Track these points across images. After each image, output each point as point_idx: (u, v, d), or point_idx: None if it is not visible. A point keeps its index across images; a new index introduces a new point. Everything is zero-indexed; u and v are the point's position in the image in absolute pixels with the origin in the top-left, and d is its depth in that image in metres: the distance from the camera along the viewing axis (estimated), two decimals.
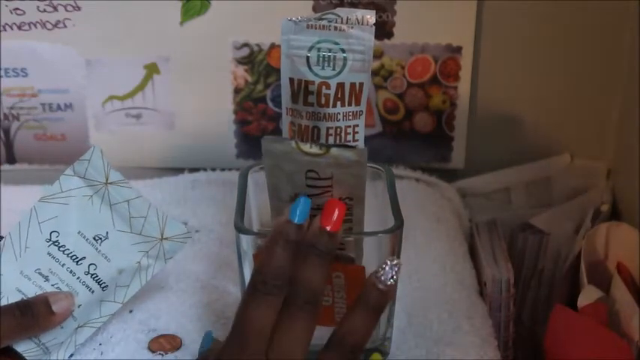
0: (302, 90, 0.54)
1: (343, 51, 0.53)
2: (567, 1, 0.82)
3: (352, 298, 0.58)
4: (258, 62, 0.86)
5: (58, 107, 0.88)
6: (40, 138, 0.90)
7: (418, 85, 0.86)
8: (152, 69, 0.86)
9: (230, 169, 0.89)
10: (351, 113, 0.55)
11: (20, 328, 0.59)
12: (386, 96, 0.87)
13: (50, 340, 0.61)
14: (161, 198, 0.83)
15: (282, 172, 0.55)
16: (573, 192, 0.88)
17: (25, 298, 0.60)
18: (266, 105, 0.88)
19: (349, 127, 0.55)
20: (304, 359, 0.51)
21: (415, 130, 0.88)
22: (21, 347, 0.60)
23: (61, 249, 0.62)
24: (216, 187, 0.86)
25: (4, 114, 0.88)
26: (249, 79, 0.87)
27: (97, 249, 0.62)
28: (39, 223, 0.62)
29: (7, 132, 0.89)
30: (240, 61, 0.86)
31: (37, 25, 0.84)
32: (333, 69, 0.53)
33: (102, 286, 0.62)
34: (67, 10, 0.83)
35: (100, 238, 0.62)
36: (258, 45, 0.85)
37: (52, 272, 0.62)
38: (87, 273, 0.62)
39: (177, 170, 0.89)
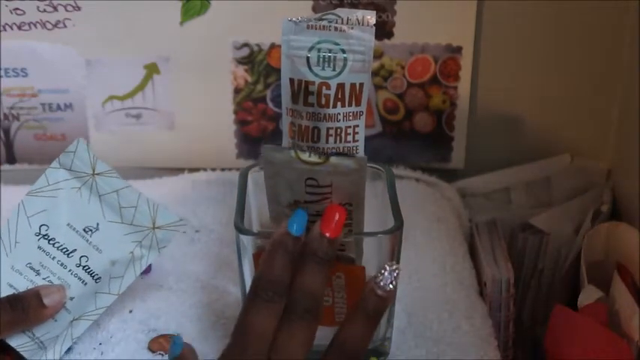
0: (302, 90, 0.54)
1: (343, 51, 0.53)
2: (567, 1, 0.82)
3: (352, 298, 0.59)
4: (258, 62, 0.86)
5: (58, 107, 0.88)
6: (40, 138, 0.90)
7: (418, 85, 0.86)
8: (152, 69, 0.86)
9: (230, 169, 0.89)
10: (351, 114, 0.55)
11: (11, 323, 0.59)
12: (386, 96, 0.87)
13: (44, 334, 0.60)
14: (161, 198, 0.83)
15: (282, 179, 0.55)
16: (573, 192, 0.88)
17: (16, 293, 0.61)
18: (266, 105, 0.88)
19: (349, 127, 0.55)
20: None
21: (415, 130, 0.88)
22: (15, 342, 0.60)
23: (51, 242, 0.62)
24: (216, 187, 0.86)
25: (4, 114, 0.88)
26: (249, 79, 0.87)
27: (87, 241, 0.62)
28: (27, 217, 0.62)
29: (7, 132, 0.89)
30: (240, 61, 0.86)
31: (37, 25, 0.84)
32: (334, 69, 0.53)
33: (94, 277, 0.62)
34: (67, 10, 0.83)
35: (91, 230, 0.62)
36: (258, 45, 0.85)
37: (42, 266, 0.62)
38: (78, 265, 0.62)
39: (178, 170, 0.89)
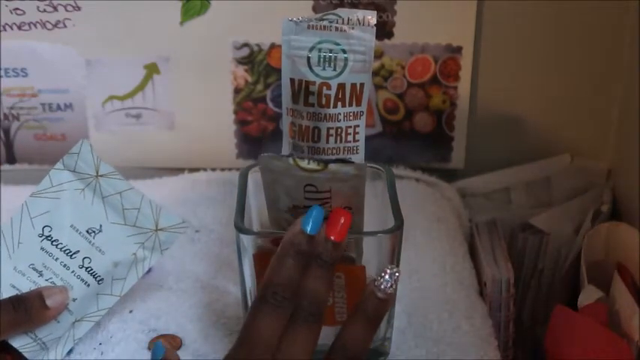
0: (303, 90, 0.54)
1: (344, 51, 0.53)
2: (567, 1, 0.82)
3: (352, 298, 0.59)
4: (258, 62, 0.86)
5: (58, 107, 0.88)
6: (40, 138, 0.90)
7: (418, 85, 0.86)
8: (152, 69, 0.86)
9: (230, 169, 0.89)
10: (351, 114, 0.55)
11: (14, 324, 0.59)
12: (386, 96, 0.87)
13: (47, 335, 0.61)
14: (161, 198, 0.83)
15: (281, 186, 0.55)
16: (573, 192, 0.88)
17: (18, 294, 0.61)
18: (266, 105, 0.88)
19: (350, 127, 0.55)
20: None
21: (415, 130, 0.88)
22: (17, 343, 0.60)
23: (54, 243, 0.62)
24: (216, 187, 0.86)
25: (4, 114, 0.88)
26: (249, 79, 0.87)
27: (90, 242, 0.62)
28: (31, 218, 0.62)
29: (7, 132, 0.89)
30: (240, 61, 0.86)
31: (37, 25, 0.84)
32: (334, 69, 0.53)
33: (97, 279, 0.62)
34: (67, 10, 0.83)
35: (94, 231, 0.62)
36: (258, 45, 0.85)
37: (45, 267, 0.62)
38: (81, 266, 0.62)
39: (178, 170, 0.89)
